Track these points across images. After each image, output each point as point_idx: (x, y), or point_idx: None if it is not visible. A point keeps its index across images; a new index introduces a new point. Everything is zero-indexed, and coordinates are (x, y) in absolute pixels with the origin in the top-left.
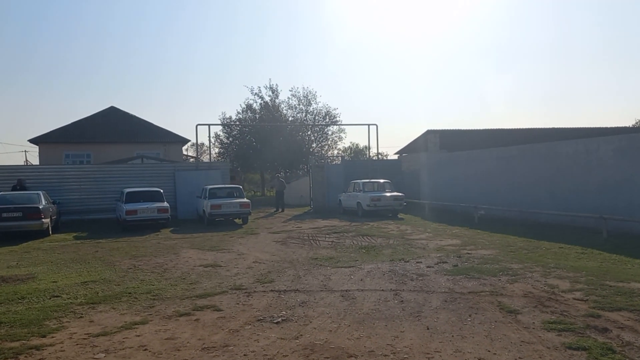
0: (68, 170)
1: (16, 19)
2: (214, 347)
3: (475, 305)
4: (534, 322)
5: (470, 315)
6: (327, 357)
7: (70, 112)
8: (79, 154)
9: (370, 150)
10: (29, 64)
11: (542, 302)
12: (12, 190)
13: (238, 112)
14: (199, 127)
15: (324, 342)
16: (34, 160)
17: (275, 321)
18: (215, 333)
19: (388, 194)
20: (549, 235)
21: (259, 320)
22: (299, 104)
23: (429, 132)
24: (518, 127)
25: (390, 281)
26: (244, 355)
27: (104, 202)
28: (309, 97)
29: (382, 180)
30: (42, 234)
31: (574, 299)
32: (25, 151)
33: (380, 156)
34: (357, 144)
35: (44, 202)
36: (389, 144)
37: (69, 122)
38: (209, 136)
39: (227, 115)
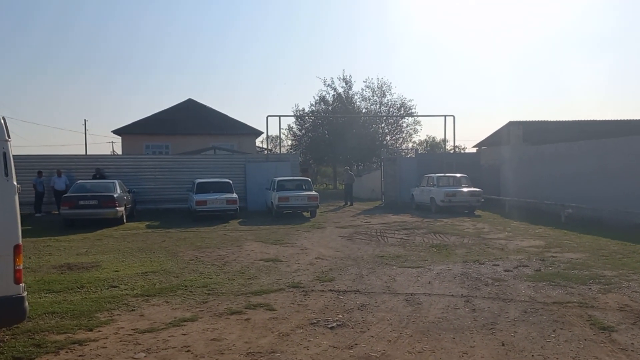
0: (144, 161)
1: (113, 20)
2: (260, 352)
3: (560, 318)
4: (632, 343)
5: (554, 331)
6: None
7: (151, 105)
8: (158, 145)
9: (447, 143)
10: (126, 62)
11: None
12: (92, 179)
13: (311, 104)
14: (269, 118)
15: (381, 355)
16: (120, 150)
17: (329, 326)
18: (263, 336)
19: (464, 189)
20: None
21: (312, 323)
22: (373, 95)
23: (511, 124)
24: (611, 118)
25: (462, 285)
26: None
27: (178, 192)
28: (384, 88)
29: (458, 175)
30: (116, 221)
31: None
32: (112, 142)
33: (457, 149)
34: (433, 137)
35: (119, 191)
36: (468, 137)
37: (150, 114)
38: (279, 128)
39: (300, 107)
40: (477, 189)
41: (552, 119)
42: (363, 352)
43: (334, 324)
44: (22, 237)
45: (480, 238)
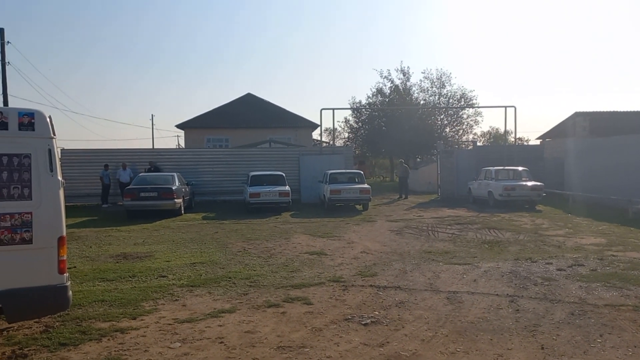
0: (203, 154)
1: (178, 16)
2: (290, 346)
3: (610, 322)
4: None
5: (601, 335)
6: None
7: (213, 99)
8: (218, 139)
9: (509, 135)
10: (189, 58)
11: None
12: (147, 172)
13: (368, 97)
14: (323, 111)
15: (411, 354)
16: (184, 144)
17: (363, 322)
18: (296, 330)
19: (524, 183)
20: None
21: (346, 319)
22: (431, 87)
23: (577, 115)
24: None
25: (509, 284)
26: None
27: (234, 185)
28: (443, 79)
29: (519, 168)
30: (175, 213)
31: None
32: (177, 136)
33: (520, 141)
34: (497, 129)
35: (177, 183)
36: (532, 129)
37: (211, 109)
38: (333, 120)
39: (357, 100)
40: (539, 183)
41: (622, 110)
42: (393, 350)
43: (369, 321)
44: (88, 227)
45: (537, 234)
